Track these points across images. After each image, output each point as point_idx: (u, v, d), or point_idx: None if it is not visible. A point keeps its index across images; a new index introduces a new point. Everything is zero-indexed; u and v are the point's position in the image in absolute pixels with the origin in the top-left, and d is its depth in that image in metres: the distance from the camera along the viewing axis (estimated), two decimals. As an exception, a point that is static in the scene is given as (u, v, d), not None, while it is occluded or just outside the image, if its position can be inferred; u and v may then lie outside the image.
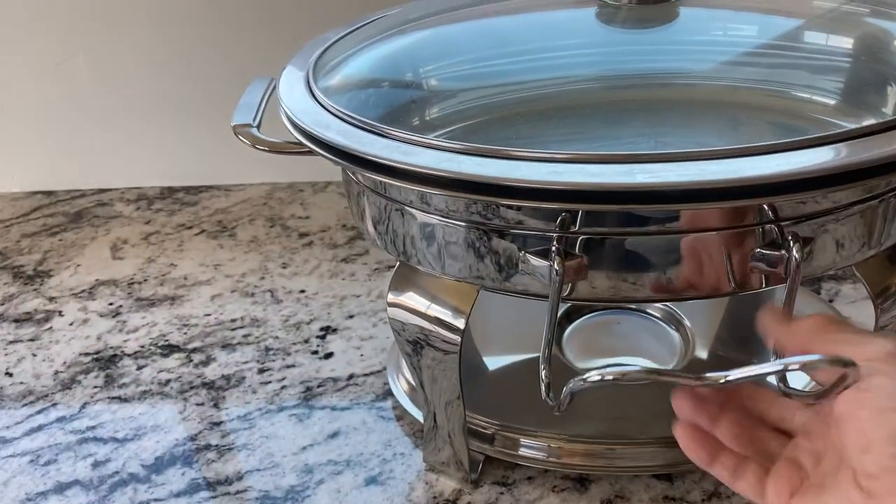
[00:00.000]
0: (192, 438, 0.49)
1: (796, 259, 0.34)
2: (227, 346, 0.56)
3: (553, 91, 0.40)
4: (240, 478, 0.46)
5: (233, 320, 0.58)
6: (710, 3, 0.42)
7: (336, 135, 0.36)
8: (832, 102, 0.39)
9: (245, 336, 0.57)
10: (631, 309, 0.52)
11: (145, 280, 0.63)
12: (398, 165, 0.34)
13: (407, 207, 0.38)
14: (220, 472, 0.46)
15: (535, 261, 0.35)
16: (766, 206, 0.34)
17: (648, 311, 0.52)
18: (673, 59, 0.40)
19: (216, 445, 0.48)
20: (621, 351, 0.51)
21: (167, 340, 0.57)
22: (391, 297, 0.40)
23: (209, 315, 0.59)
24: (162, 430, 0.49)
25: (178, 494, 0.45)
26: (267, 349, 0.55)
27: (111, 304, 0.61)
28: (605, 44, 0.41)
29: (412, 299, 0.40)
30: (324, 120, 0.37)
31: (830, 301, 0.55)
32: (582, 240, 0.35)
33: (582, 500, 0.43)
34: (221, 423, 0.50)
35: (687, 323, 0.51)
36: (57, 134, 0.73)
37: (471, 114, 0.39)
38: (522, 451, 0.45)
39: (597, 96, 0.40)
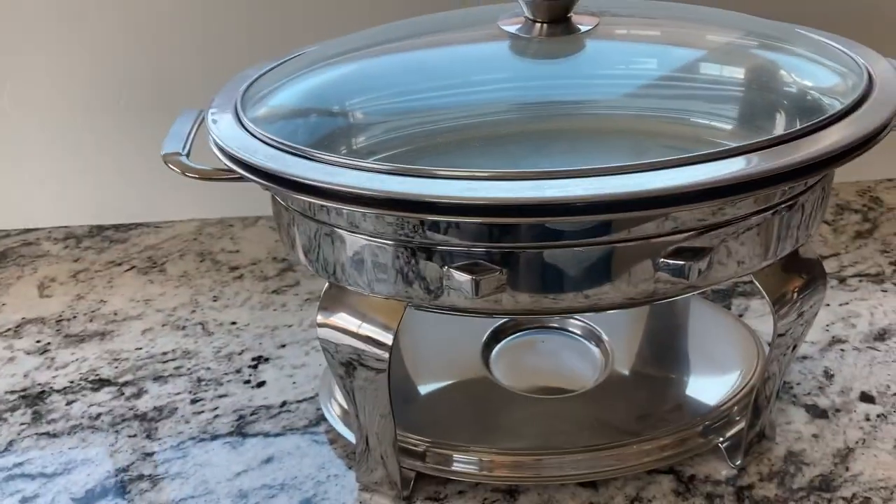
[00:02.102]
0: (125, 469, 0.48)
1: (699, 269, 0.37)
2: (158, 378, 0.56)
3: (471, 120, 0.42)
4: (173, 506, 0.46)
5: (164, 353, 0.58)
6: (613, 35, 0.45)
7: (264, 159, 0.37)
8: (727, 127, 0.43)
9: (177, 368, 0.57)
10: (553, 327, 0.55)
11: (74, 317, 0.63)
12: (324, 185, 0.36)
13: (336, 230, 0.40)
14: (153, 502, 0.46)
15: (458, 275, 0.37)
16: (668, 218, 0.37)
17: (570, 328, 0.54)
18: (580, 89, 0.43)
19: (149, 475, 0.48)
20: (545, 368, 0.53)
21: (97, 375, 0.57)
22: (321, 318, 0.42)
23: (140, 349, 0.59)
24: (93, 464, 0.49)
25: (110, 525, 0.45)
26: (199, 380, 0.56)
27: (38, 341, 0.60)
28: (517, 75, 0.44)
29: (342, 319, 0.41)
30: (252, 146, 0.39)
31: (740, 316, 0.58)
32: (502, 254, 0.37)
33: (511, 510, 0.45)
34: (154, 453, 0.50)
35: (606, 338, 0.53)
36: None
37: (393, 142, 0.41)
38: (454, 467, 0.47)
39: (511, 124, 0.42)
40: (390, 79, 0.44)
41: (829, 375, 0.53)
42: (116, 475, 0.48)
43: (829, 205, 0.72)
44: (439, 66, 0.44)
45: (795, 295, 0.43)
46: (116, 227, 0.74)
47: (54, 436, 0.51)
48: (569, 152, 0.41)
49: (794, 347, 0.45)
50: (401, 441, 0.46)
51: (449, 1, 0.51)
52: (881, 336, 0.56)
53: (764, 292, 0.42)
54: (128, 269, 0.68)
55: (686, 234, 0.38)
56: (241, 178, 0.40)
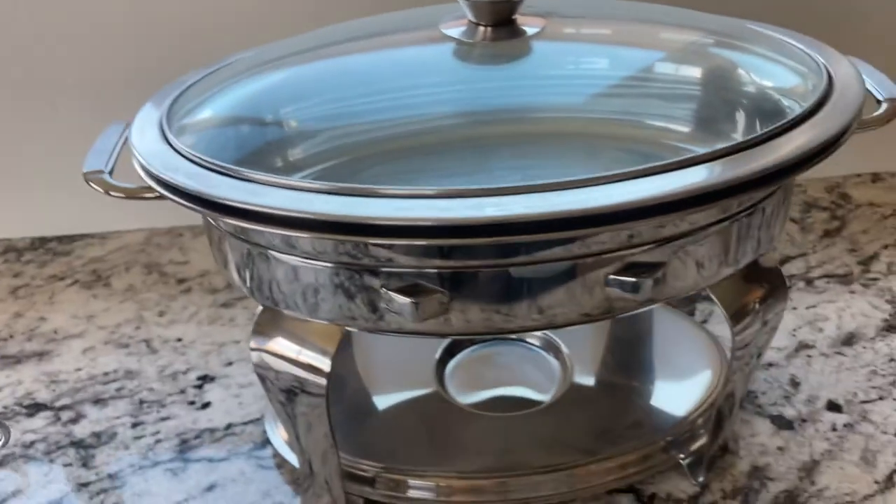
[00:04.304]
0: (57, 502, 0.46)
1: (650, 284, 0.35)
2: (98, 401, 0.53)
3: (415, 128, 0.40)
4: (108, 541, 0.43)
5: (105, 373, 0.56)
6: (561, 37, 0.43)
7: (184, 178, 0.35)
8: (683, 130, 0.41)
9: (118, 389, 0.54)
10: (510, 339, 0.52)
11: (11, 336, 0.60)
12: (249, 208, 0.33)
13: (270, 251, 0.37)
14: (86, 537, 0.44)
15: (398, 298, 0.35)
16: (619, 233, 0.35)
17: (527, 340, 0.52)
18: (527, 95, 0.40)
19: (83, 508, 0.45)
20: (503, 382, 0.51)
21: (33, 399, 0.54)
22: (254, 344, 0.39)
23: (80, 370, 0.56)
24: (24, 496, 0.46)
25: (39, 564, 0.42)
26: (141, 402, 0.53)
27: (-28, 363, 0.57)
28: (463, 80, 0.41)
29: (280, 345, 0.38)
30: (174, 163, 0.36)
31: (704, 322, 0.57)
32: (448, 274, 0.35)
33: (465, 537, 0.43)
34: (90, 483, 0.47)
35: (565, 349, 0.51)
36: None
37: (328, 155, 0.38)
38: (410, 493, 0.44)
39: (458, 132, 0.40)
40: (325, 87, 0.41)
41: (795, 384, 0.51)
42: (49, 509, 0.45)
43: (797, 202, 0.70)
44: (377, 73, 0.42)
45: (757, 305, 0.41)
46: (60, 239, 0.71)
47: (-16, 467, 0.49)
48: (518, 160, 0.39)
49: (759, 356, 0.44)
50: (349, 466, 0.44)
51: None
52: (848, 341, 0.55)
53: (720, 306, 0.40)
54: (71, 284, 0.65)
55: (641, 248, 0.36)
56: (163, 198, 0.37)
